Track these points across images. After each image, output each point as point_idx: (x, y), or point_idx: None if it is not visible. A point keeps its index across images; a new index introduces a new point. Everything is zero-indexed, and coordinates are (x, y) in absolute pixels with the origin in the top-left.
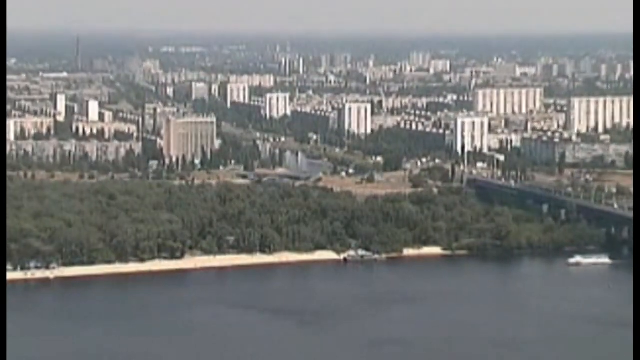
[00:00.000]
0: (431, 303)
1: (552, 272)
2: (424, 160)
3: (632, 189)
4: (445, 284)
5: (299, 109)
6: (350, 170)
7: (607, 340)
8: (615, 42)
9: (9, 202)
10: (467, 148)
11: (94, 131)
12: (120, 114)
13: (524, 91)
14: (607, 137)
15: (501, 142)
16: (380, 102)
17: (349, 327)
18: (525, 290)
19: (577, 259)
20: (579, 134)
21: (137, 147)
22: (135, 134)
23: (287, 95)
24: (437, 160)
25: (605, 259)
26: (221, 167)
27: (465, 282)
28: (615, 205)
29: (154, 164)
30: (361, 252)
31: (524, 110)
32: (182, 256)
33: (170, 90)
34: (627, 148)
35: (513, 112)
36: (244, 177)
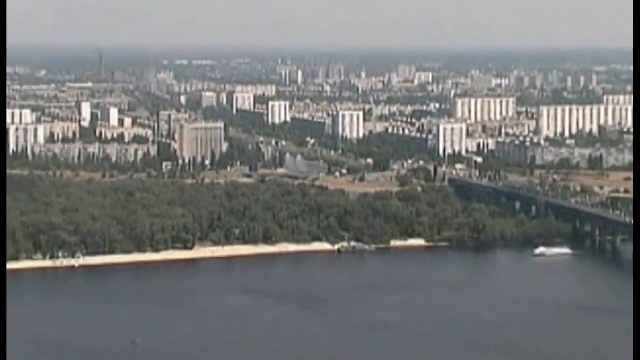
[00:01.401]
0: (416, 289)
1: (520, 262)
2: (410, 161)
3: (595, 188)
4: (428, 272)
5: (297, 116)
6: (344, 171)
7: (565, 320)
8: (579, 57)
9: (39, 198)
10: (448, 151)
11: (115, 135)
12: (138, 120)
13: (498, 100)
14: (572, 141)
15: (478, 145)
16: (371, 109)
17: (345, 311)
18: (495, 278)
19: (542, 250)
20: (547, 139)
21: (153, 150)
22: (151, 138)
23: (287, 103)
24: (421, 162)
25: (566, 250)
26: (228, 168)
27: (445, 271)
28: (580, 202)
29: (168, 164)
30: (353, 244)
31: (498, 117)
32: (193, 247)
33: (183, 99)
34: (590, 151)
35: (489, 118)
36: (249, 176)
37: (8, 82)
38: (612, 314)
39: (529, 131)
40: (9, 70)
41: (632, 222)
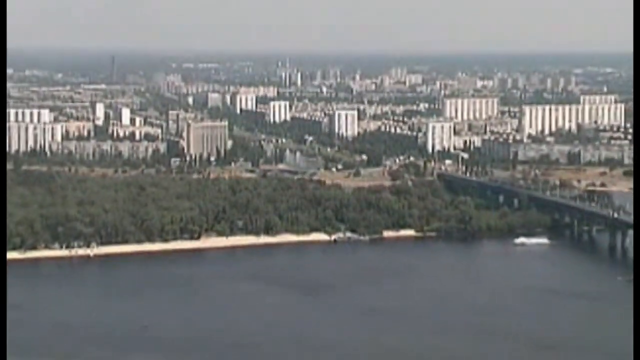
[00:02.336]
0: (408, 276)
1: (502, 251)
2: (401, 157)
3: (572, 182)
4: (418, 260)
5: (297, 115)
6: (340, 166)
7: (542, 303)
8: (558, 60)
9: (56, 192)
10: (437, 148)
11: (127, 133)
12: (149, 119)
13: (483, 100)
14: (552, 139)
15: (465, 142)
16: (364, 109)
17: (345, 297)
18: (479, 266)
19: (522, 240)
20: (529, 136)
21: (162, 147)
22: (160, 136)
23: (287, 103)
24: (411, 158)
25: (544, 240)
26: (232, 164)
27: (434, 259)
28: (558, 195)
29: (176, 160)
30: (348, 234)
31: (483, 116)
32: (199, 237)
33: (190, 100)
34: (568, 148)
35: (474, 117)
36: (251, 172)
37: (27, 84)
38: (584, 298)
39: (512, 129)
40: (27, 73)
41: (632, 222)
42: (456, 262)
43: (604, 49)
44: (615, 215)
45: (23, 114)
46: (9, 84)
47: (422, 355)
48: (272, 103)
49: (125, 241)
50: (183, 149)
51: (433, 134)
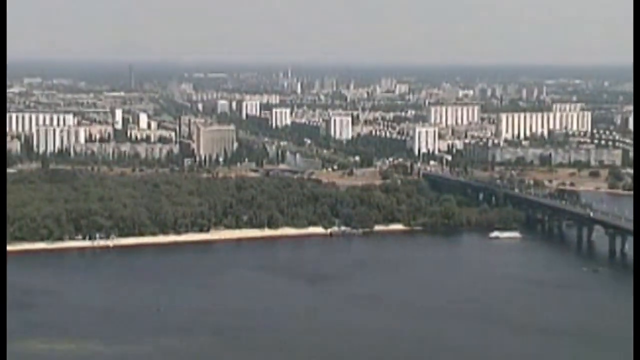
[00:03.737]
0: (398, 266)
1: (479, 243)
2: (390, 159)
3: (545, 182)
4: (406, 252)
5: (296, 120)
6: (335, 167)
7: (512, 289)
8: (532, 72)
9: (79, 189)
10: (423, 150)
11: (143, 136)
12: (163, 124)
13: (465, 108)
14: (526, 143)
15: (448, 145)
16: (358, 115)
17: (345, 285)
18: (459, 257)
19: (496, 233)
20: (505, 140)
21: (175, 149)
22: (173, 139)
23: (288, 110)
24: (400, 159)
25: (516, 234)
26: (238, 164)
27: (420, 251)
28: (532, 194)
29: (188, 161)
30: (343, 228)
31: (465, 122)
32: (208, 230)
33: (200, 106)
34: (541, 151)
35: (457, 123)
36: (255, 171)
37: (54, 92)
38: (551, 285)
39: (490, 134)
40: (55, 81)
41: (633, 223)
42: (439, 254)
43: (574, 62)
44: (590, 212)
45: (51, 118)
46: (38, 92)
47: (424, 336)
48: (274, 109)
49: (141, 233)
50: (194, 150)
51: (419, 138)
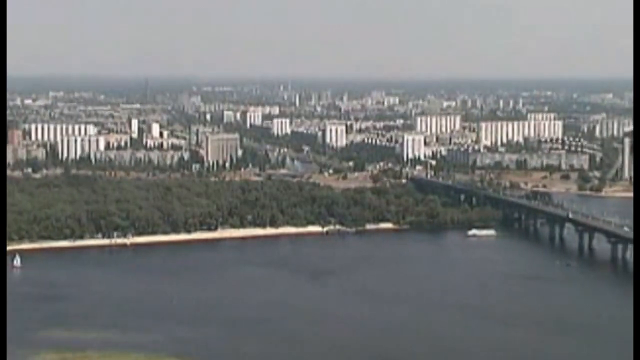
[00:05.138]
0: (389, 262)
1: (458, 240)
2: (381, 164)
3: (521, 184)
4: (395, 248)
5: (295, 129)
6: (331, 171)
7: (488, 281)
8: (509, 85)
9: (99, 192)
10: (410, 156)
11: (157, 144)
12: (174, 133)
13: (448, 117)
14: (504, 149)
15: (433, 152)
16: (351, 125)
17: (344, 280)
18: (442, 252)
19: (473, 231)
20: (485, 147)
21: (186, 155)
22: (184, 146)
23: (288, 120)
24: (389, 164)
25: (492, 232)
26: (243, 169)
27: (407, 247)
28: (509, 195)
29: (197, 166)
30: (338, 227)
31: (448, 130)
32: (216, 229)
33: (208, 116)
34: (517, 156)
35: (441, 131)
36: (259, 175)
37: (75, 104)
38: (526, 278)
39: (471, 141)
40: (76, 95)
41: (633, 224)
42: (424, 251)
43: (546, 76)
44: (568, 214)
45: (73, 128)
46: (61, 104)
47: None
48: (275, 119)
49: (155, 232)
50: (202, 157)
51: (407, 144)
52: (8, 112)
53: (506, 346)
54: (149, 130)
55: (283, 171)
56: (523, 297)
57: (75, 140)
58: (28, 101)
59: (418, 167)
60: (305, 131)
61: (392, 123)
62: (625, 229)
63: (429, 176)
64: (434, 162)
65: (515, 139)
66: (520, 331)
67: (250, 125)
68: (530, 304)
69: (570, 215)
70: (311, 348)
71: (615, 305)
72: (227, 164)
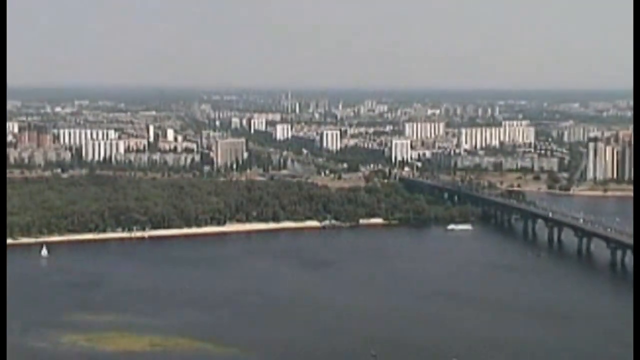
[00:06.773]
0: (382, 254)
1: (440, 234)
2: (372, 165)
3: (497, 184)
4: (385, 241)
5: (296, 134)
6: (327, 172)
7: (465, 270)
8: (486, 94)
9: (119, 190)
10: (399, 158)
11: (171, 148)
12: (187, 137)
13: (433, 124)
14: (482, 152)
15: (419, 154)
16: (346, 130)
17: (343, 270)
18: (426, 245)
19: (452, 226)
20: (465, 150)
21: (197, 158)
22: (196, 150)
23: (289, 125)
24: (380, 166)
25: (469, 227)
26: (248, 170)
27: (396, 240)
28: (487, 193)
29: (207, 167)
30: (333, 222)
31: (432, 136)
32: (224, 224)
33: (217, 123)
34: (494, 159)
35: (426, 136)
36: (262, 175)
37: (99, 111)
38: (500, 268)
39: (453, 145)
40: (99, 103)
41: (633, 224)
42: (409, 243)
43: (520, 87)
44: (549, 214)
45: (96, 133)
46: (86, 111)
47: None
48: (277, 125)
49: (169, 226)
50: (212, 159)
51: (396, 148)
52: (39, 118)
53: (469, 324)
54: (164, 135)
55: (284, 172)
56: (495, 284)
57: (99, 144)
58: (57, 109)
59: (406, 169)
60: (304, 136)
61: (382, 129)
62: (585, 222)
63: (415, 177)
64: (420, 164)
65: (492, 143)
66: (485, 312)
67: (255, 130)
68: (500, 290)
69: (550, 215)
70: (318, 327)
71: (578, 291)
72: (234, 166)
